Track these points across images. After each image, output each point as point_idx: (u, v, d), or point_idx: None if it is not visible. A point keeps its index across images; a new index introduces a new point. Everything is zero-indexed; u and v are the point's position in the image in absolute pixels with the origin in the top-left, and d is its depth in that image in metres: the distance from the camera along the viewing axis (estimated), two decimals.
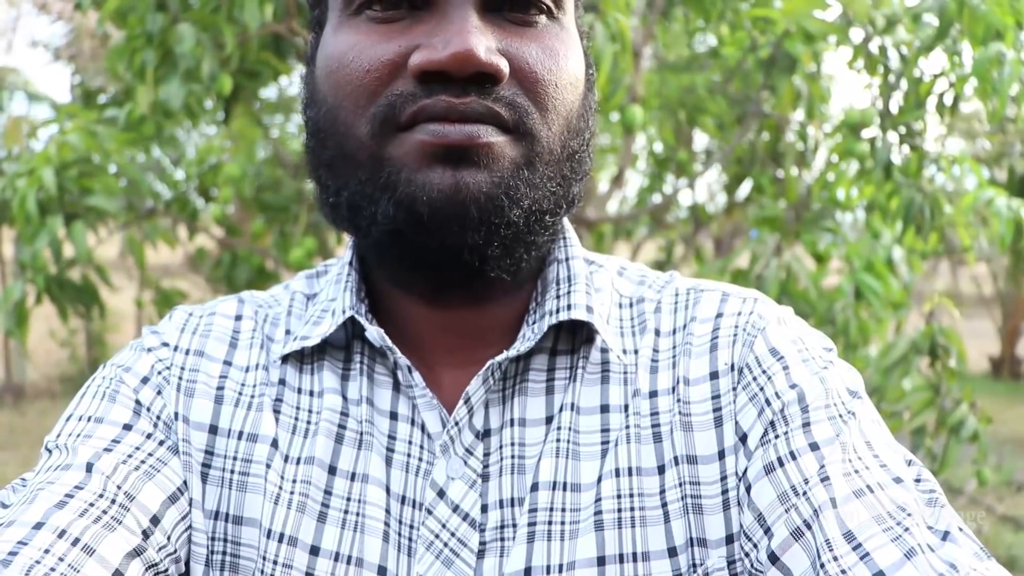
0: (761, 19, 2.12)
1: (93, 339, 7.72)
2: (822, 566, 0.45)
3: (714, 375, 0.55)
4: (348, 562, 0.53)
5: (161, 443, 0.54)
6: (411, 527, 0.54)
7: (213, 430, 0.56)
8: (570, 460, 0.55)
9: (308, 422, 0.57)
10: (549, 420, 0.56)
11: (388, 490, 0.54)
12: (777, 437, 0.51)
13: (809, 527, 0.47)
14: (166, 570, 0.51)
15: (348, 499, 0.54)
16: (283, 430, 0.56)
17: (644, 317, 0.60)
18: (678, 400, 0.55)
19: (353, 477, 0.55)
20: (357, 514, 0.54)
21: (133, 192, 2.25)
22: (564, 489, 0.54)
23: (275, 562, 0.53)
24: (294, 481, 0.55)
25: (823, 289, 2.18)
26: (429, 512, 0.53)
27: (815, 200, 2.33)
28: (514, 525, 0.54)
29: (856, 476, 0.47)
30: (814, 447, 0.49)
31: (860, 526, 0.45)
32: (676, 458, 0.54)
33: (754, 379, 0.53)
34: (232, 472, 0.55)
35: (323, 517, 0.54)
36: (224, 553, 0.54)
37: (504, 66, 0.48)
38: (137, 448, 0.53)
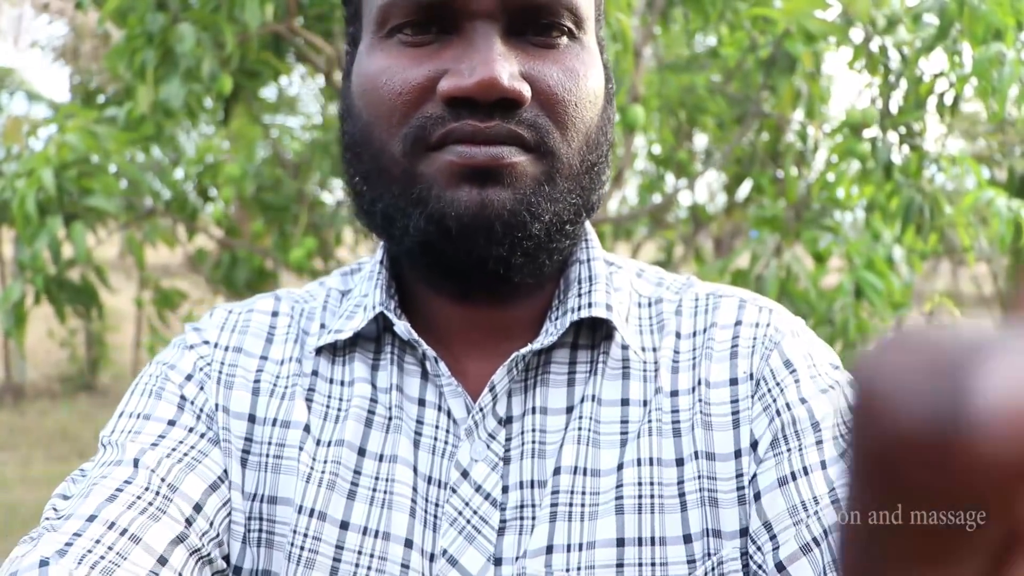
0: (761, 19, 2.12)
1: (93, 339, 7.71)
2: None
3: (734, 381, 0.59)
4: (376, 536, 0.56)
5: (202, 436, 0.58)
6: (436, 505, 0.57)
7: (251, 419, 0.60)
8: (591, 447, 0.58)
9: (339, 409, 0.60)
10: (570, 410, 0.59)
11: (415, 470, 0.58)
12: (789, 451, 0.54)
13: (818, 544, 0.50)
14: (208, 554, 0.54)
15: (376, 478, 0.58)
16: (315, 416, 0.60)
17: (662, 317, 0.64)
18: (699, 400, 0.59)
19: (382, 458, 0.59)
20: (385, 492, 0.57)
21: (133, 192, 2.25)
22: (585, 474, 0.57)
23: (306, 535, 0.56)
24: (325, 462, 0.58)
25: (822, 289, 2.18)
26: (453, 491, 0.57)
27: (815, 200, 2.33)
28: (533, 505, 0.57)
29: None
30: (824, 466, 0.53)
31: None
32: (696, 453, 0.57)
33: (768, 391, 0.57)
34: (268, 456, 0.59)
35: (352, 495, 0.58)
36: (260, 531, 0.57)
37: (526, 91, 0.52)
38: (180, 442, 0.57)
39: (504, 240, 0.53)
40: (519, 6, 0.53)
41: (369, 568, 0.56)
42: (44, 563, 0.47)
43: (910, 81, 2.00)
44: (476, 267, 0.55)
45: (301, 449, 0.59)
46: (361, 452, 0.59)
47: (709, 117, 2.77)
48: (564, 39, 0.55)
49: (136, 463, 0.54)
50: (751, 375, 0.59)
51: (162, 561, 0.50)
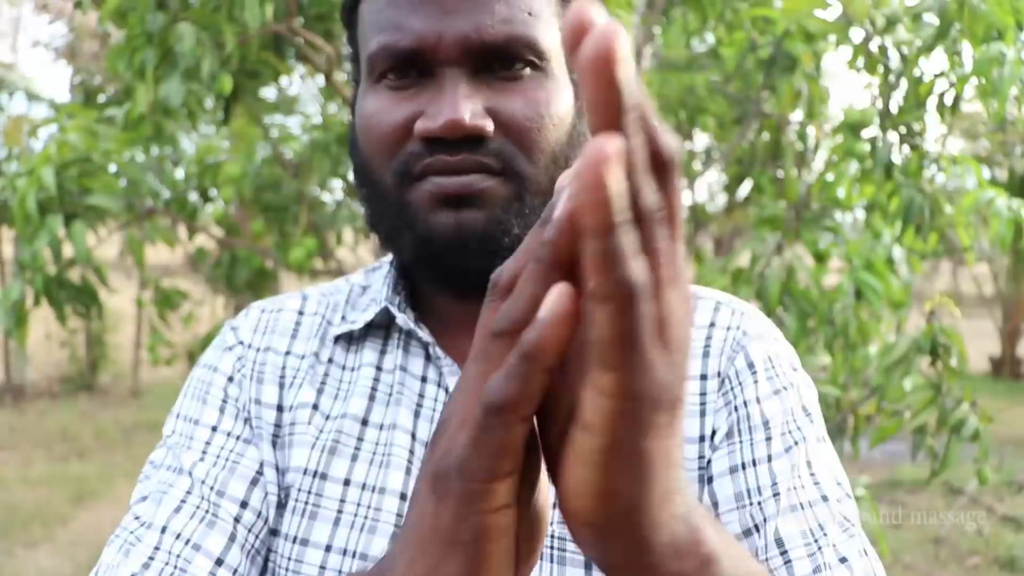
0: (761, 19, 2.12)
1: (92, 339, 7.71)
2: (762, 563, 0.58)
3: (704, 376, 0.66)
4: (373, 490, 0.65)
5: (238, 437, 0.68)
6: None
7: (279, 408, 0.70)
8: None
9: (346, 389, 0.70)
10: None
11: (414, 436, 0.67)
12: (741, 443, 0.63)
13: (758, 530, 0.59)
14: (256, 543, 0.65)
15: (377, 443, 0.67)
16: (325, 397, 0.70)
17: None
18: None
19: (382, 427, 0.67)
20: (384, 454, 0.66)
21: (133, 192, 2.25)
22: None
23: (310, 492, 0.66)
24: (330, 432, 0.68)
25: (824, 289, 2.18)
26: None
27: (815, 200, 2.33)
28: None
29: (795, 492, 0.60)
30: (769, 459, 0.62)
31: (790, 536, 0.58)
32: None
33: (731, 388, 0.65)
34: (289, 435, 0.69)
35: (355, 457, 0.66)
36: (277, 495, 0.67)
37: (489, 125, 0.60)
38: (222, 447, 0.67)
39: (480, 255, 0.61)
40: (480, 50, 0.60)
41: (366, 518, 0.64)
42: None
43: (910, 81, 2.00)
44: (461, 278, 0.64)
45: (309, 423, 0.68)
46: (364, 422, 0.68)
47: (709, 117, 2.77)
48: (527, 70, 0.62)
49: (191, 475, 0.65)
50: (719, 373, 0.66)
51: (219, 563, 0.62)
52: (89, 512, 4.65)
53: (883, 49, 2.00)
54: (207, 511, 0.64)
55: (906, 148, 2.06)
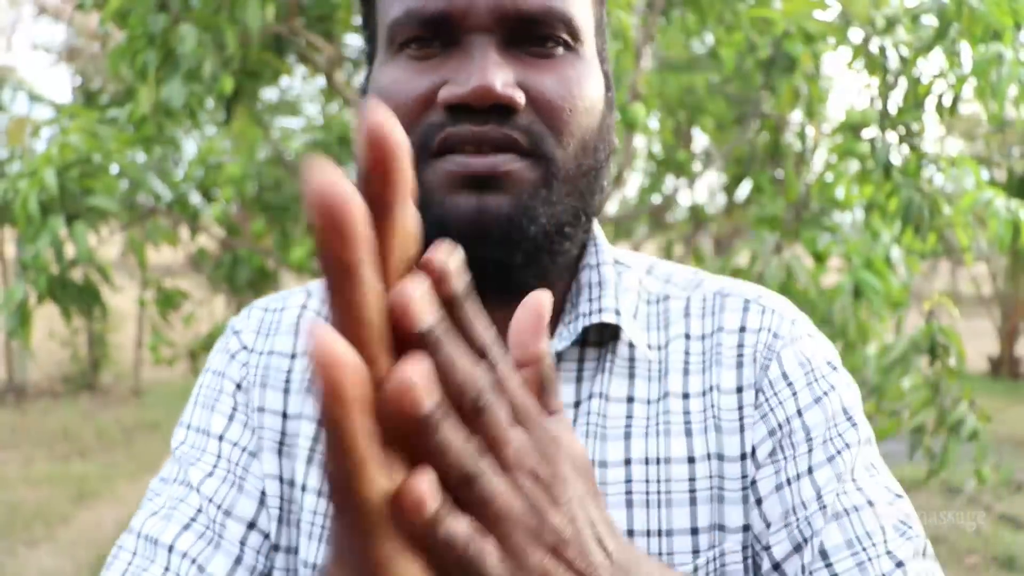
0: (760, 19, 2.13)
1: (94, 339, 7.72)
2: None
3: (740, 389, 0.63)
4: None
5: (244, 449, 0.66)
6: None
7: (285, 416, 0.67)
8: (597, 440, 0.62)
9: None
10: (577, 404, 0.63)
11: None
12: (785, 459, 0.60)
13: (807, 543, 0.56)
14: (261, 564, 0.63)
15: None
16: None
17: (669, 315, 0.68)
18: (712, 404, 0.63)
19: None
20: None
21: (134, 192, 2.25)
22: (592, 465, 0.62)
23: (325, 515, 0.62)
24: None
25: (823, 288, 2.19)
26: None
27: (814, 200, 2.33)
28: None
29: (838, 500, 0.57)
30: (811, 471, 0.59)
31: (835, 548, 0.55)
32: (708, 454, 0.62)
33: (766, 400, 0.62)
34: (295, 446, 0.66)
35: None
36: (280, 508, 0.65)
37: (520, 97, 0.55)
38: (231, 461, 0.65)
39: (502, 243, 0.56)
40: (514, 19, 0.56)
41: None
42: None
43: (909, 81, 2.01)
44: (477, 268, 0.59)
45: (316, 439, 0.64)
46: None
47: (709, 117, 2.77)
48: (560, 49, 0.58)
49: (199, 491, 0.63)
50: (753, 384, 0.63)
51: None
52: (90, 511, 4.66)
53: (882, 50, 2.01)
54: (214, 532, 0.62)
55: (905, 148, 2.07)
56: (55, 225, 1.94)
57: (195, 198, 2.73)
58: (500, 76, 0.54)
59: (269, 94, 3.58)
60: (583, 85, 0.59)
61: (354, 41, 3.07)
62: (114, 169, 2.13)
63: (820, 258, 2.28)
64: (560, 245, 0.60)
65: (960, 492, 4.89)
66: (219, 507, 0.63)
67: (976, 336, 9.27)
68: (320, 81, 3.28)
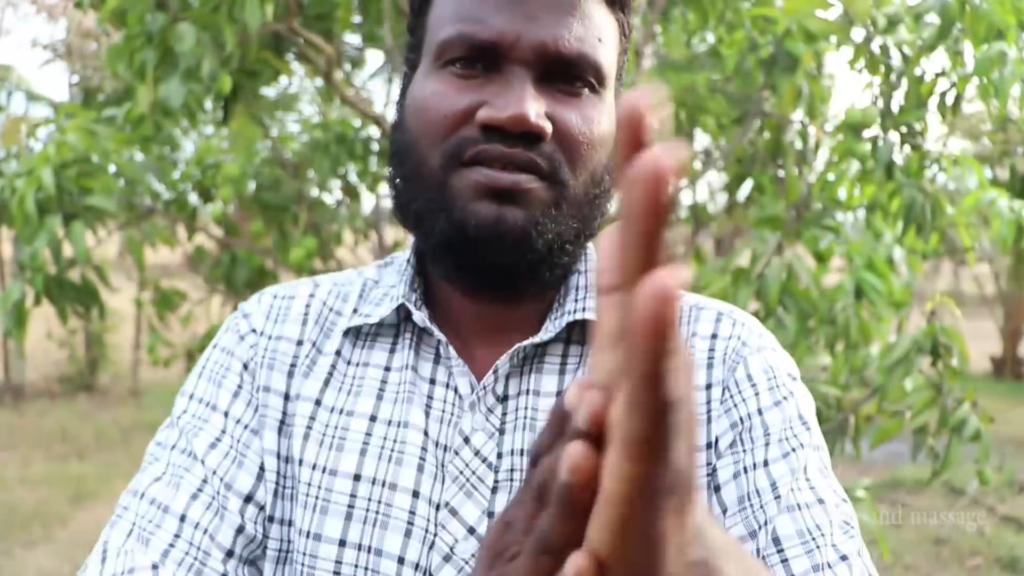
0: (762, 18, 2.12)
1: (92, 339, 7.71)
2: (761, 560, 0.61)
3: (708, 386, 0.70)
4: (384, 485, 0.67)
5: (246, 427, 0.70)
6: (441, 464, 0.68)
7: (287, 397, 0.71)
8: None
9: (352, 385, 0.72)
10: (559, 394, 0.68)
11: (426, 433, 0.69)
12: (744, 451, 0.66)
13: (761, 529, 0.63)
14: (257, 534, 0.67)
15: (385, 438, 0.69)
16: (330, 390, 0.71)
17: None
18: None
19: (391, 423, 0.69)
20: (394, 450, 0.68)
21: (132, 192, 2.24)
22: None
23: (319, 487, 0.67)
24: (335, 427, 0.69)
25: (824, 288, 2.18)
26: (456, 453, 0.68)
27: (816, 200, 2.32)
28: (523, 470, 0.67)
29: (792, 494, 0.64)
30: (767, 464, 0.65)
31: (787, 536, 0.62)
32: None
33: (731, 398, 0.69)
34: (295, 426, 0.70)
35: (363, 452, 0.68)
36: (277, 483, 0.69)
37: (548, 128, 0.63)
38: (233, 436, 0.69)
39: (512, 251, 0.64)
40: (553, 59, 0.64)
41: (378, 513, 0.66)
42: (155, 567, 0.62)
43: (911, 81, 2.00)
44: (487, 270, 0.66)
45: (314, 418, 0.70)
46: (372, 419, 0.69)
47: (709, 117, 2.76)
48: (586, 90, 0.66)
49: (204, 463, 0.67)
50: (721, 381, 0.70)
51: (230, 554, 0.65)
52: (88, 512, 4.64)
53: (884, 49, 2.00)
54: (220, 504, 0.66)
55: (907, 148, 2.06)
56: (52, 225, 1.93)
57: (193, 198, 2.72)
58: (535, 107, 0.62)
59: (268, 93, 3.56)
60: (602, 124, 0.67)
61: (353, 40, 3.06)
62: (112, 168, 2.12)
63: (822, 258, 2.27)
64: (560, 259, 0.68)
65: (963, 493, 4.88)
66: (221, 480, 0.67)
67: (979, 337, 9.26)
68: (318, 80, 3.27)
